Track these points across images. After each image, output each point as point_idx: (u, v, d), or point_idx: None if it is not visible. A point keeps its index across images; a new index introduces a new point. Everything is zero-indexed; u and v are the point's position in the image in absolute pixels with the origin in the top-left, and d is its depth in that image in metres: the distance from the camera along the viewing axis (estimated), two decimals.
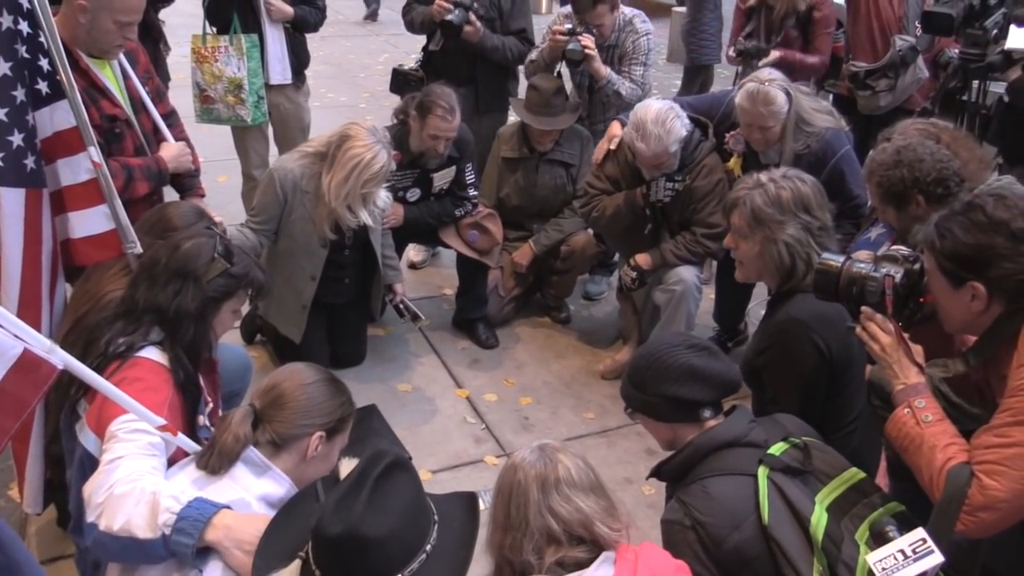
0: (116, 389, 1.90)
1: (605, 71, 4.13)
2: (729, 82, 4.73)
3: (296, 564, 1.61)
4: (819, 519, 1.82)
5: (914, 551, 1.71)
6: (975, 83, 4.05)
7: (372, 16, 12.09)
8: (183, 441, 1.98)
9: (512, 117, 4.60)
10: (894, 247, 2.19)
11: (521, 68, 4.50)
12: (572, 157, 4.22)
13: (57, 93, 2.37)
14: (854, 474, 1.98)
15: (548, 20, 4.51)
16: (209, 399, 2.28)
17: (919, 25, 4.27)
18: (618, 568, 1.61)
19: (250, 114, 4.20)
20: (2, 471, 2.99)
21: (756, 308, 4.24)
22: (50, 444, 2.41)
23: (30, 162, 2.31)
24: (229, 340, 3.33)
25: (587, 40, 4.06)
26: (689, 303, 3.65)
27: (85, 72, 2.63)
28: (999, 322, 1.81)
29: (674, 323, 3.64)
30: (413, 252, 4.85)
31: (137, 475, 1.78)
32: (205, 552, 1.73)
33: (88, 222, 2.49)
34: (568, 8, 4.29)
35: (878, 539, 1.82)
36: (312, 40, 4.56)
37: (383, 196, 3.45)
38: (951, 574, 1.82)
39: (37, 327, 2.34)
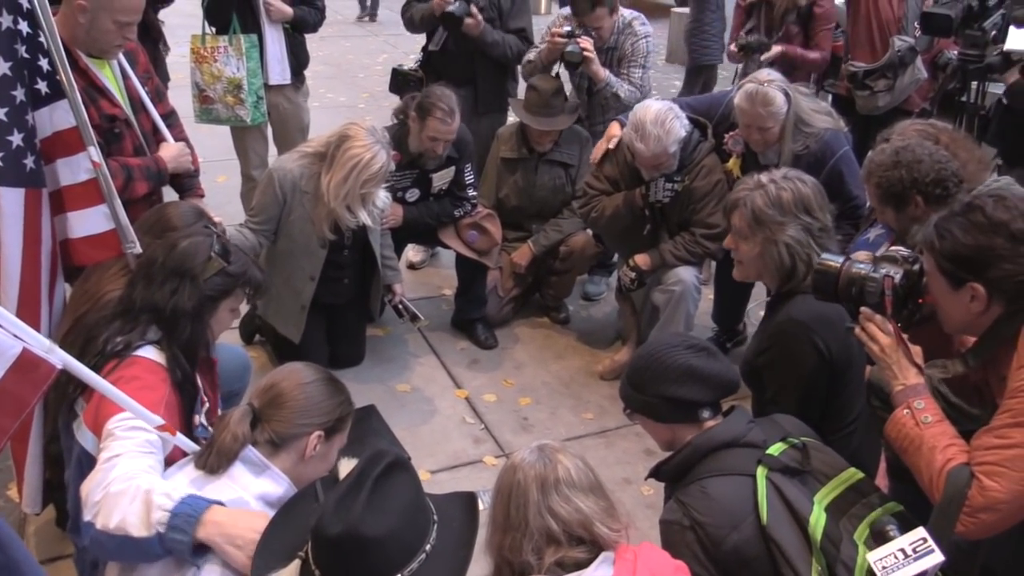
0: (115, 388, 1.90)
1: (604, 74, 4.13)
2: (730, 83, 4.74)
3: (296, 564, 1.61)
4: (818, 519, 1.82)
5: (914, 550, 1.71)
6: (974, 84, 4.05)
7: (372, 16, 12.09)
8: (182, 440, 1.98)
9: (511, 118, 4.60)
10: (893, 248, 2.19)
11: (519, 68, 4.51)
12: (571, 158, 4.22)
13: (57, 93, 2.37)
14: (852, 474, 1.98)
15: (547, 21, 4.52)
16: (206, 398, 2.28)
17: (918, 26, 4.28)
18: (617, 568, 1.61)
19: (249, 114, 4.20)
20: (1, 471, 2.99)
21: (755, 309, 4.25)
22: (49, 444, 2.41)
23: (29, 162, 2.31)
24: (228, 340, 3.33)
25: (586, 42, 4.06)
26: (688, 303, 3.65)
27: (84, 72, 2.62)
28: (998, 323, 1.81)
29: (673, 323, 3.65)
30: (412, 252, 4.85)
31: (133, 473, 1.78)
32: (203, 548, 1.73)
33: (87, 222, 2.49)
34: (567, 10, 4.29)
35: (879, 538, 1.82)
36: (311, 40, 4.56)
37: (382, 196, 3.45)
38: (950, 574, 1.82)
39: (36, 327, 2.34)
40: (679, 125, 3.46)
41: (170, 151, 2.94)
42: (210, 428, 2.11)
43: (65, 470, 2.23)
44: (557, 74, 4.25)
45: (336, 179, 3.26)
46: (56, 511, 2.72)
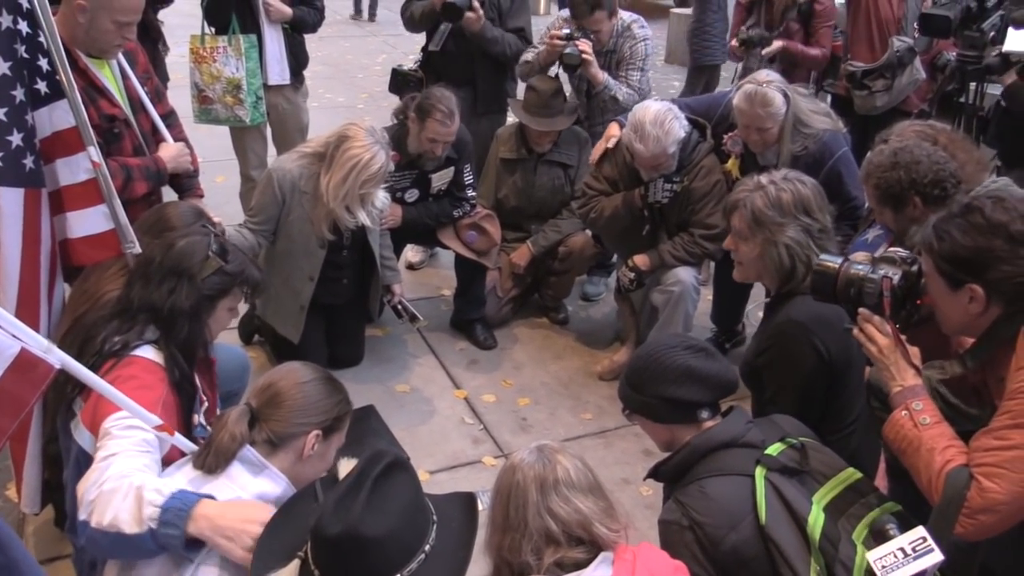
0: (112, 388, 1.90)
1: (602, 76, 4.13)
2: (731, 83, 4.76)
3: (295, 564, 1.61)
4: (816, 519, 1.82)
5: (914, 549, 1.71)
6: (972, 85, 4.05)
7: (371, 16, 12.10)
8: (180, 441, 1.98)
9: (511, 118, 4.60)
10: (892, 249, 2.19)
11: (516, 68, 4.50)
12: (570, 158, 4.22)
13: (56, 93, 2.37)
14: (851, 474, 1.98)
15: (545, 21, 4.51)
16: (205, 398, 2.28)
17: (917, 27, 4.29)
18: (616, 568, 1.61)
19: (248, 114, 4.20)
20: (0, 471, 2.98)
21: (754, 310, 4.25)
22: (48, 444, 2.41)
23: (29, 162, 2.31)
24: (227, 340, 3.33)
25: (584, 45, 4.06)
26: (687, 304, 3.66)
27: (84, 72, 2.62)
28: (997, 324, 1.81)
29: (672, 324, 3.65)
30: (411, 253, 4.85)
31: (127, 471, 1.78)
32: (197, 543, 1.73)
33: (87, 222, 2.49)
34: (567, 12, 4.29)
35: (878, 537, 1.82)
36: (310, 41, 4.56)
37: (381, 197, 3.45)
38: (949, 574, 1.82)
39: (35, 327, 2.34)
40: (678, 126, 3.46)
41: (169, 151, 2.94)
42: (209, 428, 2.11)
43: (64, 470, 2.23)
44: (556, 75, 4.26)
45: (335, 179, 3.26)
46: (55, 511, 2.72)
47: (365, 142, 3.25)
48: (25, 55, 2.30)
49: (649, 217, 3.70)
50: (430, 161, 3.87)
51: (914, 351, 1.99)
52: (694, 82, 6.77)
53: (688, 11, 10.27)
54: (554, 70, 4.28)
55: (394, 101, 4.30)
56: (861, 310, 2.01)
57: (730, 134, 3.61)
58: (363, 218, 3.35)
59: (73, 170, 2.45)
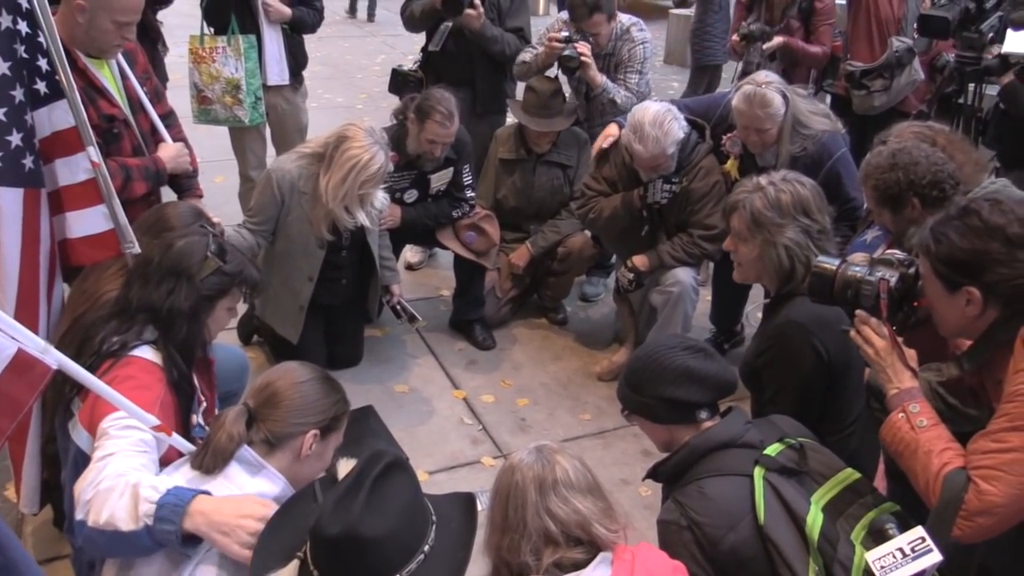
0: (110, 389, 1.89)
1: (601, 79, 4.14)
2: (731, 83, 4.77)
3: (294, 564, 1.61)
4: (815, 519, 1.82)
5: (913, 550, 1.72)
6: (971, 86, 4.06)
7: (370, 16, 12.10)
8: (177, 441, 1.98)
9: (510, 119, 4.61)
10: (889, 251, 2.19)
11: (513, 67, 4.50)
12: (569, 159, 4.23)
13: (56, 93, 2.37)
14: (849, 474, 1.99)
15: (544, 21, 4.51)
16: (203, 398, 2.28)
17: (916, 28, 4.29)
18: (615, 569, 1.61)
19: (247, 115, 4.20)
20: None
21: (753, 310, 4.25)
22: (47, 444, 2.41)
23: (28, 162, 2.31)
24: (226, 341, 3.33)
25: (583, 47, 4.06)
26: (686, 305, 3.66)
27: (83, 72, 2.62)
28: (994, 327, 1.81)
29: (671, 325, 3.65)
30: (410, 253, 4.86)
31: (124, 470, 1.78)
32: (193, 539, 1.73)
33: (86, 222, 2.49)
34: (566, 14, 4.30)
35: (877, 537, 1.83)
36: (309, 41, 4.56)
37: (380, 197, 3.45)
38: (947, 574, 1.82)
39: (35, 327, 2.35)
40: (677, 127, 3.47)
41: (168, 151, 2.94)
42: (207, 428, 2.11)
43: (62, 470, 2.23)
44: (556, 76, 4.26)
45: (334, 180, 3.26)
46: (53, 511, 2.72)
47: (364, 143, 3.25)
48: (24, 55, 2.30)
49: (648, 218, 3.70)
50: (429, 162, 3.87)
51: (911, 353, 1.99)
52: (696, 82, 6.80)
53: (687, 12, 10.34)
54: (553, 71, 4.28)
55: (393, 101, 4.30)
56: (858, 312, 2.02)
57: (729, 135, 3.61)
58: (362, 218, 3.35)
59: (72, 170, 2.45)
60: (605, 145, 3.76)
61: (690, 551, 1.84)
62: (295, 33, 4.34)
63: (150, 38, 4.37)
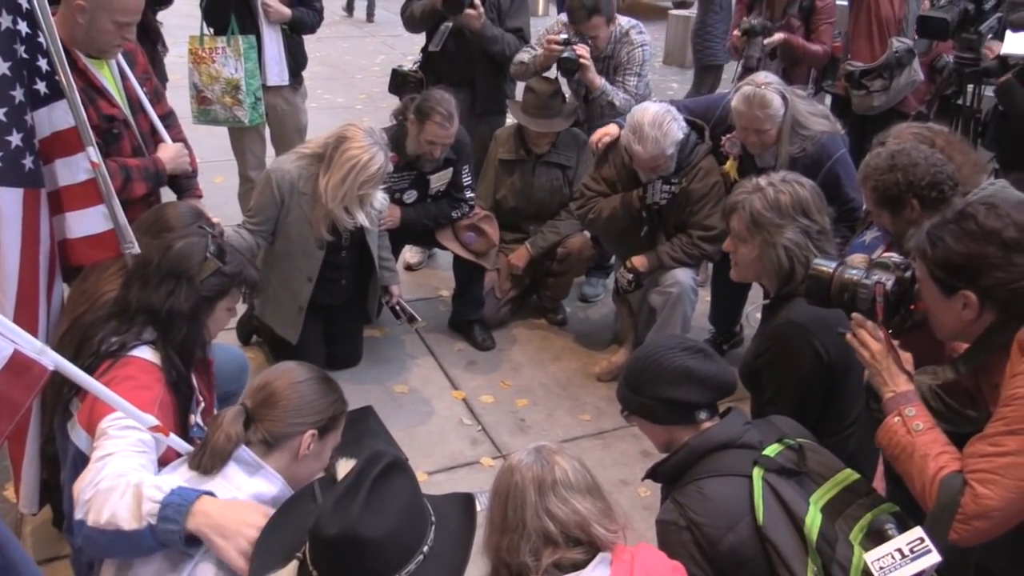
0: (107, 390, 1.89)
1: (599, 82, 4.14)
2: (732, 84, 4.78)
3: (293, 565, 1.61)
4: (813, 520, 1.83)
5: (912, 550, 1.72)
6: (970, 87, 4.06)
7: (369, 17, 12.10)
8: (175, 442, 1.98)
9: (510, 119, 4.61)
10: (886, 254, 2.20)
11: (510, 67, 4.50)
12: (568, 159, 4.23)
13: (56, 93, 2.37)
14: (848, 475, 1.99)
15: (543, 22, 4.51)
16: (202, 398, 2.28)
17: (915, 29, 4.30)
18: (614, 569, 1.61)
19: (247, 115, 4.20)
20: None
21: (752, 311, 4.26)
22: (46, 444, 2.41)
23: (28, 162, 2.31)
24: (225, 341, 3.33)
25: (582, 50, 4.06)
26: (685, 305, 3.66)
27: (83, 72, 2.62)
28: (990, 331, 1.82)
29: (670, 325, 3.65)
30: (409, 254, 4.86)
31: (123, 470, 1.78)
32: (195, 539, 1.73)
33: (86, 222, 2.49)
34: (565, 16, 4.30)
35: (877, 537, 1.83)
36: (309, 41, 4.56)
37: (380, 198, 3.45)
38: (945, 574, 1.82)
39: (34, 327, 2.35)
40: (676, 127, 3.47)
41: (168, 152, 2.94)
42: (206, 428, 2.11)
43: (61, 471, 2.23)
44: (556, 77, 4.26)
45: (334, 180, 3.26)
46: (53, 511, 2.72)
47: (364, 143, 3.25)
48: (24, 55, 2.30)
49: (647, 218, 3.70)
50: (428, 162, 3.87)
51: (906, 357, 2.00)
52: (701, 83, 6.84)
53: (686, 12, 10.37)
54: (552, 72, 4.28)
55: (392, 102, 4.31)
56: (854, 315, 2.02)
57: (728, 136, 3.61)
58: (361, 219, 3.35)
59: (72, 170, 2.45)
60: (604, 142, 3.76)
61: (689, 551, 1.84)
62: (295, 33, 4.34)
63: (150, 38, 4.37)
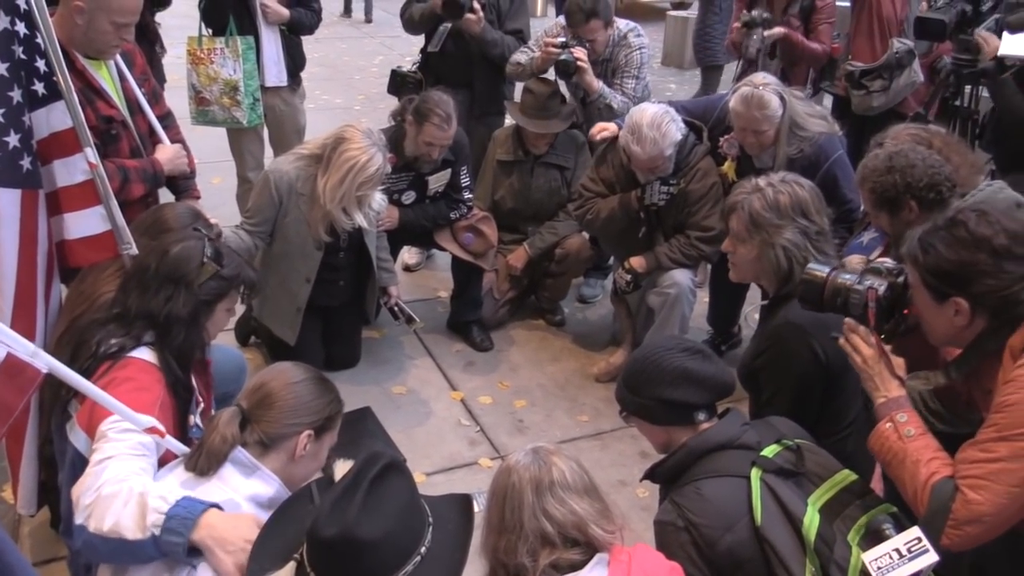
0: (102, 392, 1.89)
1: (597, 85, 4.14)
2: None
3: (291, 566, 1.61)
4: (811, 520, 1.83)
5: (909, 550, 1.72)
6: (967, 88, 4.06)
7: (367, 17, 12.09)
8: (171, 443, 1.97)
9: (508, 120, 4.61)
10: (879, 259, 2.20)
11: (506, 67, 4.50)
12: (567, 160, 4.23)
13: (54, 94, 2.37)
14: (846, 476, 1.99)
15: (542, 23, 4.51)
16: (201, 399, 2.28)
17: (913, 30, 4.30)
18: (612, 570, 1.62)
19: (246, 116, 4.20)
20: None
21: (750, 312, 4.25)
22: (44, 445, 2.40)
23: (26, 163, 2.31)
24: (224, 342, 3.33)
25: (580, 52, 4.06)
26: (683, 306, 3.66)
27: (81, 73, 2.62)
28: (982, 337, 1.82)
29: (668, 326, 3.65)
30: (408, 254, 4.86)
31: (125, 475, 1.78)
32: (197, 551, 1.73)
33: (84, 223, 2.48)
34: (564, 19, 4.30)
35: (874, 537, 1.83)
36: (307, 42, 4.56)
37: (378, 199, 3.45)
38: (941, 573, 1.83)
39: (32, 328, 2.35)
40: (675, 128, 3.47)
41: (166, 153, 2.94)
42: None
43: (59, 472, 2.23)
44: (555, 79, 4.26)
45: (332, 181, 3.26)
46: (51, 513, 2.72)
47: (362, 144, 3.25)
48: (22, 56, 2.30)
49: (645, 219, 3.70)
50: (427, 163, 3.87)
51: (898, 362, 2.00)
52: (707, 82, 6.89)
53: (684, 13, 10.40)
54: (550, 74, 4.28)
55: (391, 103, 4.30)
56: (847, 320, 2.03)
57: (726, 136, 3.61)
58: (360, 220, 3.35)
59: (70, 171, 2.44)
60: (603, 136, 3.75)
61: (687, 552, 1.84)
62: (293, 34, 4.34)
63: (148, 39, 4.38)
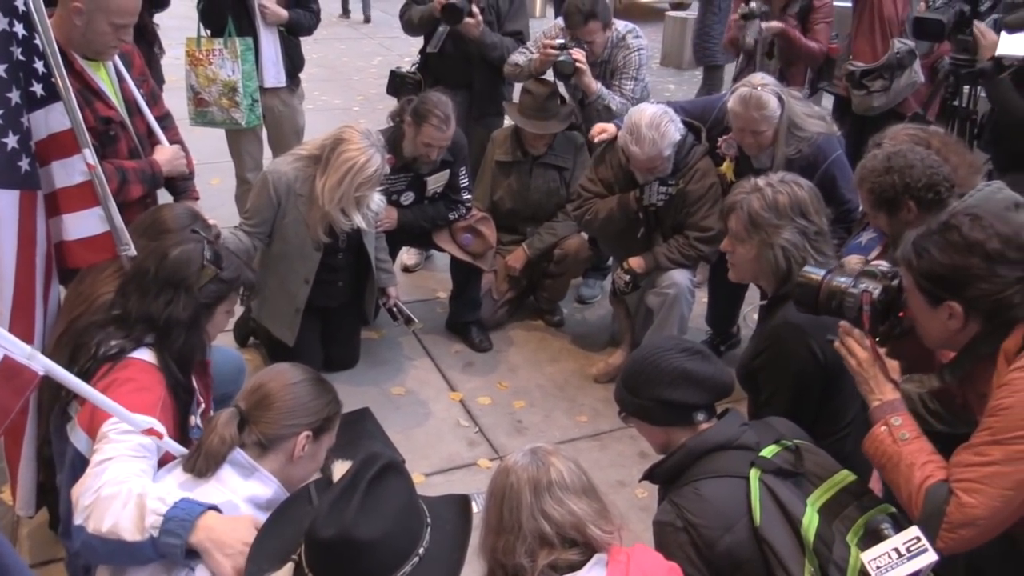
0: (99, 394, 1.89)
1: (596, 86, 4.14)
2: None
3: (289, 567, 1.61)
4: (810, 521, 1.83)
5: (908, 549, 1.72)
6: (966, 89, 4.07)
7: (365, 18, 12.10)
8: (169, 445, 1.97)
9: (507, 121, 4.61)
10: (875, 262, 2.20)
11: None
12: (565, 161, 4.23)
13: (52, 95, 2.37)
14: (845, 476, 1.99)
15: (541, 23, 4.52)
16: (202, 399, 2.28)
17: (911, 30, 4.30)
18: (610, 570, 1.62)
19: (244, 117, 4.20)
20: None
21: (749, 312, 4.26)
22: (42, 447, 2.40)
23: (25, 164, 2.31)
24: (222, 343, 3.32)
25: (578, 54, 4.07)
26: (682, 306, 3.66)
27: (80, 74, 2.62)
28: (976, 341, 1.83)
29: (667, 326, 3.65)
30: (407, 255, 4.86)
31: (125, 477, 1.78)
32: (195, 552, 1.73)
33: (82, 224, 2.49)
34: (562, 20, 4.30)
35: (873, 537, 1.83)
36: (306, 43, 4.56)
37: (377, 199, 3.45)
38: (939, 573, 1.83)
39: (31, 330, 2.35)
40: (674, 128, 3.47)
41: (165, 154, 2.94)
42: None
43: (57, 474, 2.22)
44: (554, 81, 4.26)
45: (330, 182, 3.26)
46: (49, 514, 2.72)
47: (360, 145, 3.25)
48: (21, 57, 2.30)
49: (644, 220, 3.71)
50: (425, 164, 3.87)
51: (892, 365, 2.01)
52: (709, 83, 6.91)
53: (683, 14, 10.42)
54: (549, 75, 4.28)
55: (390, 103, 4.30)
56: (842, 323, 2.03)
57: (725, 137, 3.62)
58: (358, 221, 3.35)
59: (69, 172, 2.45)
60: (602, 137, 3.76)
61: (686, 553, 1.84)
62: (291, 35, 4.34)
63: (146, 40, 4.37)
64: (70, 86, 2.35)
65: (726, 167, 3.64)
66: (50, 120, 2.40)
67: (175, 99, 3.99)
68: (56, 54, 2.31)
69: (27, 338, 2.10)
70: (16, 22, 2.27)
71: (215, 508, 1.77)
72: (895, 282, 1.98)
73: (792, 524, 1.84)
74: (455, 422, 3.63)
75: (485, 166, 4.35)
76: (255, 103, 4.23)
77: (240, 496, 1.86)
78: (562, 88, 4.29)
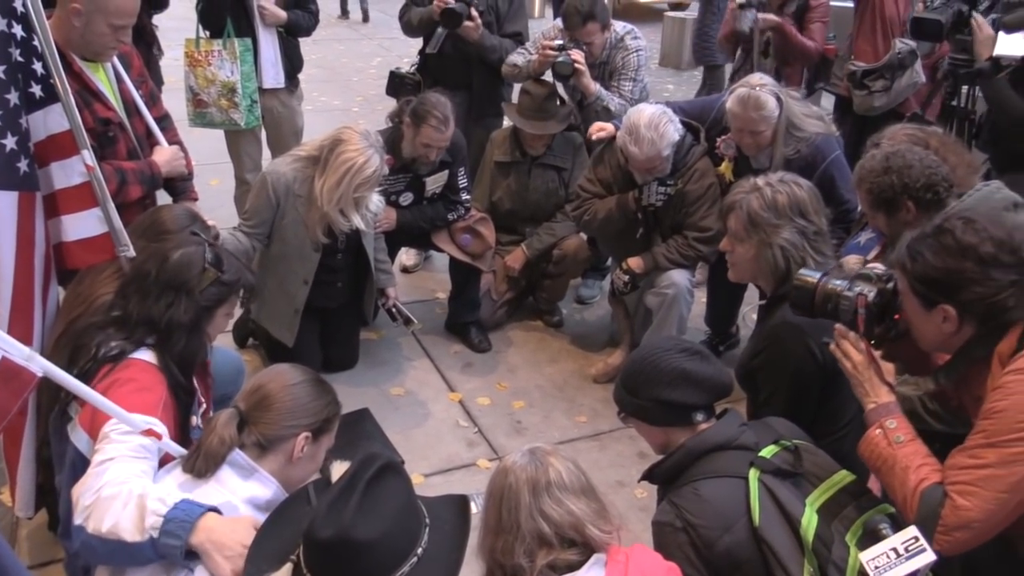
0: (97, 394, 1.89)
1: (595, 87, 4.14)
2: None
3: (287, 567, 1.61)
4: (809, 521, 1.83)
5: (907, 549, 1.72)
6: (964, 88, 4.07)
7: (364, 18, 12.10)
8: (168, 445, 1.97)
9: (506, 122, 4.61)
10: (870, 265, 2.21)
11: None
12: (564, 161, 4.23)
13: (51, 96, 2.37)
14: (844, 476, 1.99)
15: (540, 24, 4.52)
16: (203, 400, 2.28)
17: (910, 31, 4.30)
18: (609, 570, 1.62)
19: (243, 118, 4.20)
20: None
21: (748, 312, 4.26)
22: (42, 447, 2.40)
23: (23, 165, 2.31)
24: (222, 343, 3.32)
25: (577, 55, 4.07)
26: (681, 307, 3.66)
27: (78, 75, 2.63)
28: (970, 344, 1.83)
29: (666, 327, 3.65)
30: (406, 256, 4.86)
31: (125, 477, 1.78)
32: (194, 553, 1.73)
33: (81, 225, 2.48)
34: (561, 21, 4.31)
35: (871, 537, 1.83)
36: (305, 44, 4.57)
37: (376, 200, 3.45)
38: (937, 573, 1.83)
39: (30, 331, 2.35)
40: (672, 129, 3.47)
41: (164, 155, 2.94)
42: None
43: (56, 475, 2.22)
44: (553, 82, 4.26)
45: (329, 183, 3.26)
46: (48, 515, 2.72)
47: (359, 146, 3.25)
48: (19, 59, 2.29)
49: (643, 220, 3.71)
50: (424, 165, 3.87)
51: (888, 368, 2.01)
52: (710, 83, 6.93)
53: (682, 14, 10.43)
54: (547, 76, 4.29)
55: (389, 104, 4.30)
56: (837, 326, 2.03)
57: (723, 137, 3.62)
58: (357, 221, 3.35)
59: (68, 173, 2.44)
60: (601, 136, 3.76)
61: (685, 553, 1.84)
62: (290, 36, 4.34)
63: (145, 41, 4.37)
64: (69, 87, 2.35)
65: (725, 167, 3.64)
66: (49, 121, 2.39)
67: (174, 100, 3.99)
68: (55, 55, 2.31)
69: (26, 339, 2.10)
70: (15, 23, 2.27)
71: (215, 509, 1.77)
72: (890, 285, 1.98)
73: (791, 524, 1.85)
74: (454, 423, 3.63)
75: (484, 167, 4.35)
76: (254, 104, 4.23)
77: (239, 497, 1.86)
78: (561, 89, 4.29)
